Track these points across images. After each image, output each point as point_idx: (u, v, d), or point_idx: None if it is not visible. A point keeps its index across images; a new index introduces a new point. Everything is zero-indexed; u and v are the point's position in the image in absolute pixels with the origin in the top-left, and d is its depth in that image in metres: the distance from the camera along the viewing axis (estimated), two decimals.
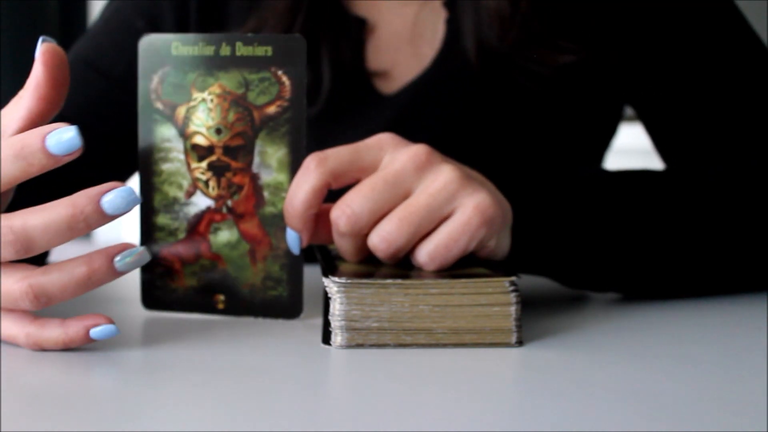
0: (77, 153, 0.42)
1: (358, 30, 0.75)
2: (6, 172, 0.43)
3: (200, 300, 0.53)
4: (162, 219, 0.52)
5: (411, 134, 0.53)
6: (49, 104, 0.45)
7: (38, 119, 0.45)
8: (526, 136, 0.77)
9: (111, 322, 0.44)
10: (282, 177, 0.52)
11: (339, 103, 0.75)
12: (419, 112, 0.74)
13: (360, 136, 0.52)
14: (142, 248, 0.44)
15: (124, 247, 0.44)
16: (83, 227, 0.42)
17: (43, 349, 0.44)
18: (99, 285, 0.43)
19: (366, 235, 0.49)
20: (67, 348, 0.44)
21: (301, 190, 0.49)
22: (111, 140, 0.75)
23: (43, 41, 0.45)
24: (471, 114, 0.75)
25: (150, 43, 0.52)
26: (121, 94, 0.75)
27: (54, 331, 0.43)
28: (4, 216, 0.42)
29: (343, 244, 0.50)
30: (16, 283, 0.43)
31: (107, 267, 0.43)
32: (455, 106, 0.75)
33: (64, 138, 0.42)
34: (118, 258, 0.43)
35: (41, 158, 0.42)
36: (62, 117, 0.76)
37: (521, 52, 0.71)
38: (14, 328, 0.44)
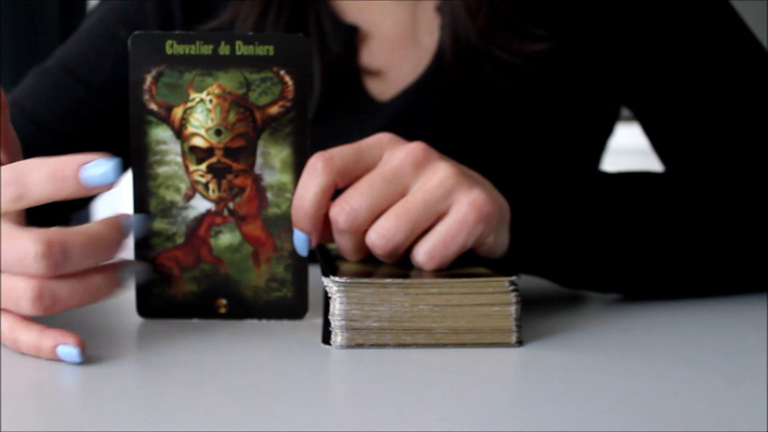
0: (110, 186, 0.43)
1: (349, 34, 0.75)
2: (39, 193, 0.43)
3: (201, 305, 0.52)
4: (159, 224, 0.51)
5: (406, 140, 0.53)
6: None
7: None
8: (521, 138, 0.76)
9: (81, 345, 0.42)
10: (286, 178, 0.51)
11: (331, 108, 0.74)
12: (414, 119, 0.74)
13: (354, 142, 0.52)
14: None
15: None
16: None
17: (19, 350, 0.43)
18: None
19: (365, 233, 0.49)
20: (37, 355, 0.42)
21: (309, 192, 0.49)
22: (91, 148, 0.75)
23: None
24: (467, 119, 0.75)
25: (141, 41, 0.50)
26: (99, 103, 0.74)
27: (32, 335, 0.42)
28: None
29: (342, 242, 0.50)
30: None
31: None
32: (451, 112, 0.74)
33: (98, 172, 0.43)
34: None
35: (74, 187, 0.43)
36: (42, 126, 0.75)
37: (492, 40, 0.71)
38: (5, 321, 0.43)
